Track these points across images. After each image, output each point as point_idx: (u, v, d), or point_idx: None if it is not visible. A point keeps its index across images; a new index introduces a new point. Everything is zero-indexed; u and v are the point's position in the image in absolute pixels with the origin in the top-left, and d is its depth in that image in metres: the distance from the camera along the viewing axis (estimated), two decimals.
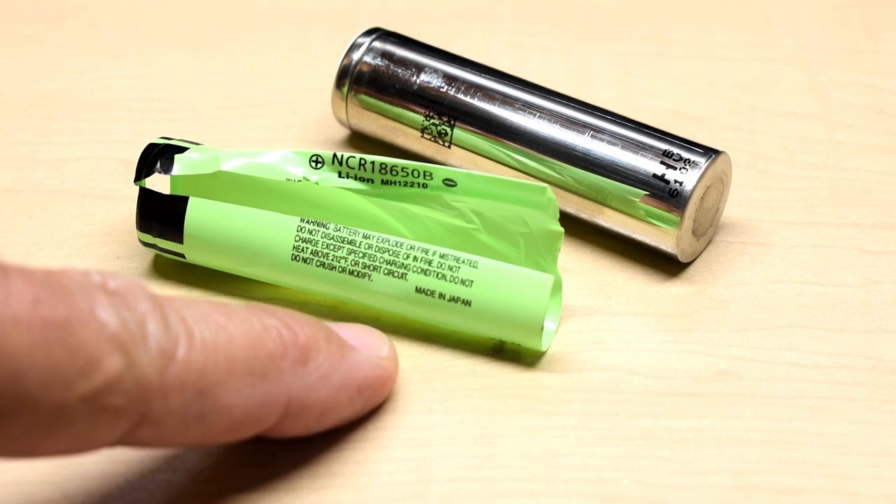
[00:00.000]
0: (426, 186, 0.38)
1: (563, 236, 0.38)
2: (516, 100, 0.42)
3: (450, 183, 0.38)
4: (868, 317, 0.40)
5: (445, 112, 0.43)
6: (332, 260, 0.38)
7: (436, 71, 0.43)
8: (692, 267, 0.41)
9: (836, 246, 0.42)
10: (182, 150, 0.40)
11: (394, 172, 0.38)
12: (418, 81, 0.43)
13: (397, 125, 0.43)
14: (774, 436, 0.36)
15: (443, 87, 0.43)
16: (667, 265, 0.41)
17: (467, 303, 0.37)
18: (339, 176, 0.39)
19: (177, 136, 0.45)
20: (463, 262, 0.38)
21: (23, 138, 0.46)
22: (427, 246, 0.38)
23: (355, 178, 0.39)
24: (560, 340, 0.39)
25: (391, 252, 0.38)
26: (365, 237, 0.38)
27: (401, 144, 0.44)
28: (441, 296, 0.38)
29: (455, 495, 0.35)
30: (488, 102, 0.42)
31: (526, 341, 0.38)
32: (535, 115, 0.42)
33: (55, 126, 0.46)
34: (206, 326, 0.32)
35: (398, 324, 0.39)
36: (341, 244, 0.38)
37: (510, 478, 0.35)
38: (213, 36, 0.50)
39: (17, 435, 0.30)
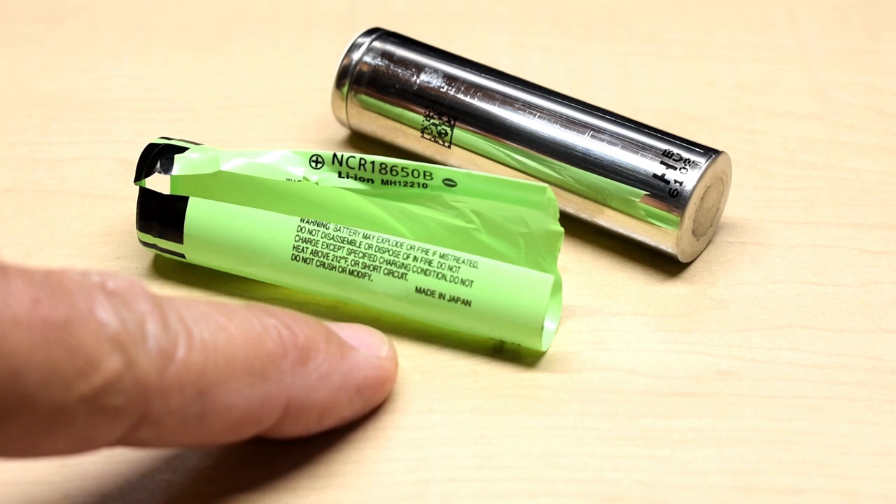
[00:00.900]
0: (426, 186, 0.38)
1: (563, 236, 0.38)
2: (516, 100, 0.42)
3: (450, 183, 0.38)
4: (868, 317, 0.40)
5: (445, 112, 0.43)
6: (332, 260, 0.38)
7: (436, 71, 0.43)
8: (692, 267, 0.41)
9: (836, 246, 0.42)
10: (182, 150, 0.40)
11: (394, 172, 0.38)
12: (418, 81, 0.43)
13: (397, 125, 0.43)
14: (774, 436, 0.36)
15: (443, 87, 0.43)
16: (667, 265, 0.41)
17: (467, 303, 0.37)
18: (339, 176, 0.39)
19: (177, 136, 0.45)
20: (463, 262, 0.38)
21: (23, 138, 0.46)
22: (427, 246, 0.38)
23: (355, 178, 0.39)
24: (560, 340, 0.39)
25: (391, 252, 0.38)
26: (365, 237, 0.38)
27: (401, 144, 0.44)
28: (441, 296, 0.38)
29: (455, 495, 0.35)
30: (488, 102, 0.42)
31: (526, 341, 0.38)
32: (535, 115, 0.42)
33: (55, 126, 0.46)
34: (205, 326, 0.32)
35: (398, 324, 0.39)
36: (341, 244, 0.38)
37: (510, 478, 0.35)
38: (213, 36, 0.50)
39: (17, 435, 0.30)
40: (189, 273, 0.40)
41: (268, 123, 0.46)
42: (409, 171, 0.38)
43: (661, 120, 0.46)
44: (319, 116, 0.46)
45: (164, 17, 0.51)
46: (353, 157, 0.39)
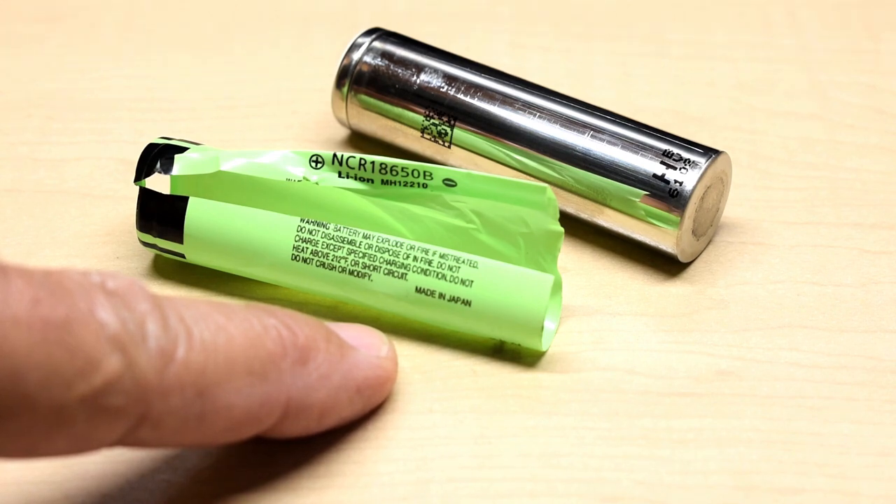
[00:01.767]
0: (426, 186, 0.38)
1: (563, 236, 0.38)
2: (516, 100, 0.42)
3: (450, 183, 0.38)
4: (868, 317, 0.40)
5: (445, 112, 0.43)
6: (332, 260, 0.38)
7: (436, 71, 0.43)
8: (692, 267, 0.41)
9: (836, 246, 0.42)
10: (182, 150, 0.40)
11: (394, 172, 0.38)
12: (418, 81, 0.43)
13: (397, 125, 0.43)
14: (774, 436, 0.36)
15: (443, 87, 0.43)
16: (667, 265, 0.41)
17: (467, 303, 0.37)
18: (339, 176, 0.39)
19: (177, 136, 0.45)
20: (463, 262, 0.38)
21: (23, 138, 0.46)
22: (427, 246, 0.38)
23: (355, 178, 0.39)
24: (560, 340, 0.39)
25: (391, 252, 0.38)
26: (365, 237, 0.38)
27: (401, 144, 0.44)
28: (441, 296, 0.38)
29: (455, 495, 0.35)
30: (488, 102, 0.42)
31: (526, 341, 0.38)
32: (535, 115, 0.42)
33: (55, 126, 0.46)
34: (205, 326, 0.32)
35: (398, 324, 0.39)
36: (341, 244, 0.38)
37: (510, 478, 0.35)
38: (213, 36, 0.50)
39: (17, 435, 0.30)
40: (189, 273, 0.40)
41: (268, 123, 0.46)
42: (409, 171, 0.38)
43: (661, 120, 0.46)
44: (319, 116, 0.46)
45: (164, 17, 0.51)
46: (353, 157, 0.39)
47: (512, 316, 0.37)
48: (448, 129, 0.43)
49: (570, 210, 0.42)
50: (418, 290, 0.38)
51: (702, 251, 0.42)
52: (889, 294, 0.40)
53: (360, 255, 0.38)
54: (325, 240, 0.38)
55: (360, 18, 0.51)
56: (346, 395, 0.35)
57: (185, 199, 0.39)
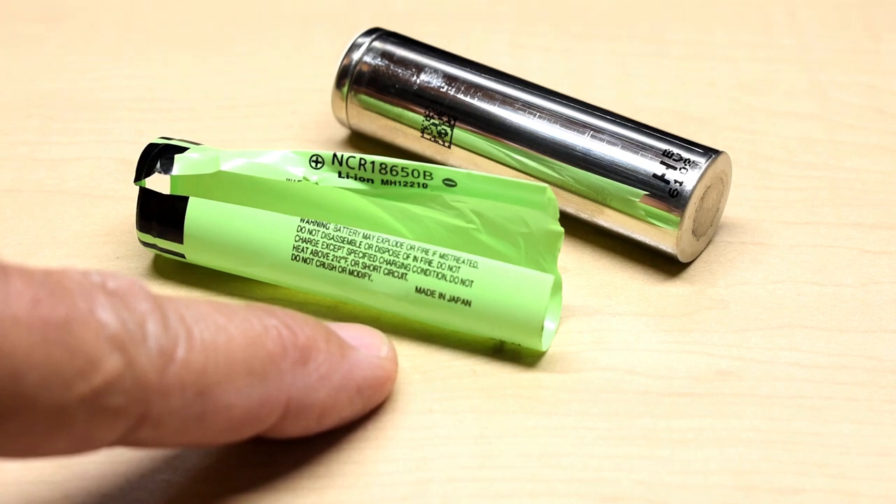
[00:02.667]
0: (426, 186, 0.38)
1: (563, 236, 0.38)
2: (516, 100, 0.42)
3: (450, 183, 0.38)
4: (868, 317, 0.40)
5: (445, 112, 0.43)
6: (332, 260, 0.38)
7: (436, 71, 0.43)
8: (692, 267, 0.41)
9: (836, 246, 0.42)
10: (182, 150, 0.40)
11: (394, 172, 0.38)
12: (418, 81, 0.43)
13: (397, 125, 0.43)
14: (774, 436, 0.36)
15: (443, 87, 0.43)
16: (667, 265, 0.41)
17: (467, 303, 0.37)
18: (339, 176, 0.39)
19: (177, 136, 0.45)
20: (463, 262, 0.38)
21: (23, 138, 0.46)
22: (427, 246, 0.38)
23: (355, 178, 0.39)
24: (560, 340, 0.39)
25: (391, 252, 0.38)
26: (365, 237, 0.38)
27: (401, 144, 0.44)
28: (441, 296, 0.38)
29: (455, 495, 0.35)
30: (488, 102, 0.42)
31: (526, 341, 0.38)
32: (535, 115, 0.42)
33: (55, 126, 0.46)
34: (205, 326, 0.32)
35: (398, 324, 0.39)
36: (341, 244, 0.38)
37: (510, 478, 0.35)
38: (213, 36, 0.50)
39: (17, 435, 0.30)
40: (189, 273, 0.40)
41: (268, 123, 0.46)
42: (409, 171, 0.38)
43: (661, 120, 0.46)
44: (319, 116, 0.46)
45: (164, 17, 0.51)
46: (353, 157, 0.39)
47: (512, 316, 0.37)
48: (448, 129, 0.43)
49: (570, 210, 0.42)
50: (418, 290, 0.38)
51: (702, 251, 0.42)
52: (889, 294, 0.40)
53: (360, 255, 0.38)
54: (325, 240, 0.38)
55: (360, 18, 0.51)
56: (347, 395, 0.35)
57: (185, 199, 0.39)
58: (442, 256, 0.38)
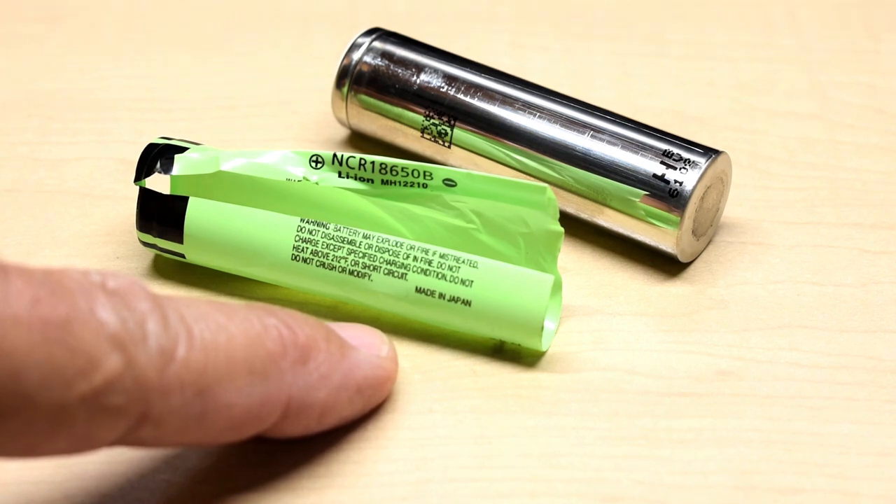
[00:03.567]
0: (426, 186, 0.38)
1: (563, 236, 0.38)
2: (516, 100, 0.42)
3: (450, 183, 0.38)
4: (868, 317, 0.40)
5: (445, 112, 0.43)
6: (332, 260, 0.38)
7: (436, 71, 0.43)
8: (692, 267, 0.41)
9: (836, 246, 0.42)
10: (182, 150, 0.40)
11: (394, 172, 0.38)
12: (418, 81, 0.43)
13: (397, 125, 0.43)
14: (774, 436, 0.36)
15: (443, 87, 0.43)
16: (667, 265, 0.41)
17: (467, 303, 0.37)
18: (339, 176, 0.39)
19: (177, 136, 0.45)
20: (463, 262, 0.38)
21: (23, 138, 0.46)
22: (427, 246, 0.38)
23: (355, 178, 0.39)
24: (560, 340, 0.39)
25: (391, 252, 0.38)
26: (365, 237, 0.38)
27: (401, 144, 0.44)
28: (441, 296, 0.38)
29: (455, 495, 0.35)
30: (488, 102, 0.42)
31: (526, 341, 0.38)
32: (535, 115, 0.42)
33: (55, 126, 0.46)
34: (206, 326, 0.32)
35: (398, 324, 0.39)
36: (341, 244, 0.38)
37: (510, 478, 0.35)
38: (213, 36, 0.50)
39: (17, 434, 0.30)
40: (189, 273, 0.40)
41: (268, 123, 0.46)
42: (409, 171, 0.38)
43: (661, 120, 0.46)
44: (319, 116, 0.46)
45: (164, 17, 0.51)
46: (353, 157, 0.39)
47: (512, 316, 0.37)
48: (448, 129, 0.43)
49: (570, 210, 0.42)
50: (418, 290, 0.38)
51: (702, 251, 0.42)
52: (889, 294, 0.40)
53: (360, 255, 0.38)
54: (325, 240, 0.38)
55: (360, 18, 0.51)
56: (347, 394, 0.35)
57: (185, 199, 0.39)
58: (442, 256, 0.38)
